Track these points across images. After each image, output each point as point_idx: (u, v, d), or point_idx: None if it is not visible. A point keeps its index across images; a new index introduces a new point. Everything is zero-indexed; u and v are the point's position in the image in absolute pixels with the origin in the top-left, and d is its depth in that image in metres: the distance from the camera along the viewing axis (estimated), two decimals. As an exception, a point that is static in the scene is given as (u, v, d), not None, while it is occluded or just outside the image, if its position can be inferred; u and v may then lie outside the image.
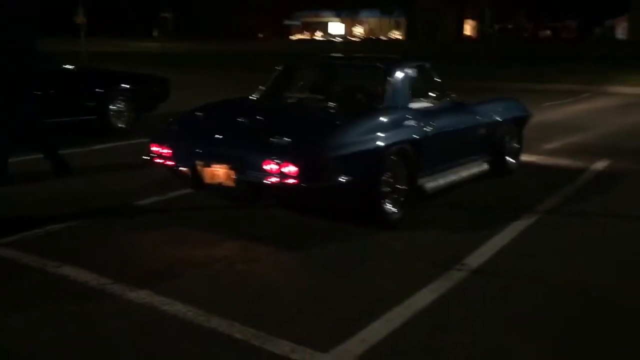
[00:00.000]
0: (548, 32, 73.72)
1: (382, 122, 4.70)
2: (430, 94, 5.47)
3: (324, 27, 73.46)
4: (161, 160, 4.69)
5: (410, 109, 5.04)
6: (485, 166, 6.04)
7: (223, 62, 27.02)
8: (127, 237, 4.49)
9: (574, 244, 4.48)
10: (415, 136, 4.85)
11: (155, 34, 37.47)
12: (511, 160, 6.48)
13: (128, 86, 9.10)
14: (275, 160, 4.08)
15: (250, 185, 4.30)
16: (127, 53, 32.37)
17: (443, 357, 2.94)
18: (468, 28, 73.46)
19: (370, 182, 4.47)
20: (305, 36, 71.35)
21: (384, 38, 66.95)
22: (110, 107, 8.81)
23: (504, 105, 6.41)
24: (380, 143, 4.51)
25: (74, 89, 8.46)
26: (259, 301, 3.47)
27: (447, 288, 3.65)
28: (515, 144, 6.55)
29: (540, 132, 9.11)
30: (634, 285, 3.81)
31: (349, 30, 71.66)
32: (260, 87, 5.63)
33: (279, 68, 5.69)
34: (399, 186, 4.80)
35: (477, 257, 4.13)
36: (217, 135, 4.57)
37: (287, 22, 73.81)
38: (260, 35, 71.47)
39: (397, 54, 6.35)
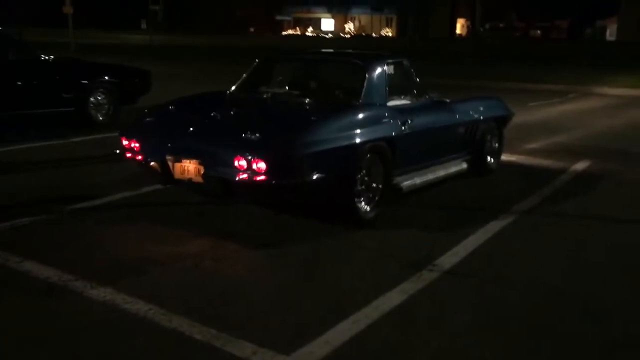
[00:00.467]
0: (538, 31, 73.91)
1: (358, 119, 4.62)
2: (408, 91, 5.40)
3: (315, 23, 73.22)
4: (131, 154, 4.60)
5: (388, 106, 4.97)
6: (464, 165, 5.99)
7: (212, 55, 26.84)
8: (95, 233, 4.40)
9: (549, 246, 4.43)
10: (391, 134, 4.78)
11: (143, 26, 37.13)
12: (491, 159, 6.43)
13: (108, 78, 8.98)
14: (245, 156, 3.99)
15: (219, 182, 4.21)
16: (115, 45, 32.09)
17: (407, 361, 2.88)
18: (459, 26, 73.57)
19: (344, 180, 4.40)
20: (296, 32, 71.09)
21: (375, 35, 66.84)
22: (90, 99, 8.70)
23: (484, 104, 6.34)
24: (354, 140, 4.43)
25: (52, 80, 8.31)
26: (223, 301, 3.39)
27: (417, 289, 3.59)
28: (495, 144, 6.51)
29: (523, 131, 9.09)
30: (606, 287, 3.76)
31: (340, 27, 71.48)
32: (237, 81, 5.54)
33: (256, 62, 5.59)
34: (374, 184, 4.73)
35: (450, 258, 4.07)
36: (187, 130, 4.47)
37: (278, 17, 73.49)
38: (252, 30, 71.17)
39: (385, 51, 6.25)
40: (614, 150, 8.15)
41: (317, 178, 4.19)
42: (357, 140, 4.46)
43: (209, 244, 4.22)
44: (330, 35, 65.74)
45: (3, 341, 2.94)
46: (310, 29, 71.66)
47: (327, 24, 72.99)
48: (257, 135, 4.13)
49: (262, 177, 4.00)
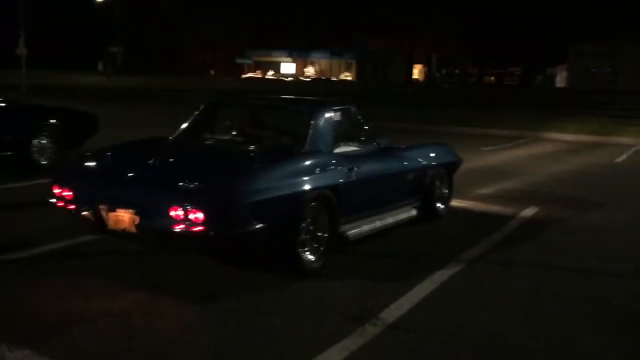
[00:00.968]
0: (492, 78, 76.30)
1: (302, 166, 4.51)
2: (355, 138, 5.34)
3: (275, 67, 73.94)
4: (62, 203, 4.36)
5: (333, 153, 4.89)
6: (413, 212, 5.92)
7: (168, 98, 26.61)
8: (20, 287, 4.12)
9: (495, 296, 4.34)
10: (336, 181, 4.68)
11: (100, 67, 36.84)
12: (441, 206, 6.40)
13: (53, 121, 8.72)
14: (181, 206, 3.81)
15: (154, 233, 4.01)
16: (70, 86, 31.60)
17: None
18: (417, 72, 75.45)
19: (286, 230, 4.25)
20: (256, 75, 71.63)
21: (334, 79, 67.87)
22: (33, 142, 8.40)
23: (433, 151, 6.34)
24: (298, 188, 4.31)
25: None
26: (151, 361, 3.17)
27: (358, 345, 3.44)
28: (444, 190, 6.48)
29: (474, 177, 9.15)
30: (549, 336, 3.67)
31: (300, 71, 72.39)
32: (180, 126, 5.39)
33: (201, 107, 5.46)
34: (319, 233, 4.60)
35: (395, 310, 3.94)
36: (122, 177, 4.28)
37: (239, 60, 74.00)
38: (212, 72, 71.36)
39: (333, 97, 6.20)
40: (562, 196, 8.25)
41: (258, 228, 4.03)
42: (301, 189, 4.34)
43: (142, 298, 3.99)
44: (290, 78, 66.45)
45: None
46: (270, 72, 72.34)
47: (288, 67, 73.82)
48: (195, 183, 3.96)
49: (200, 228, 3.83)
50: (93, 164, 4.63)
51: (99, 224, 4.24)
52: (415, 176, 5.88)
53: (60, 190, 4.35)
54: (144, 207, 4.00)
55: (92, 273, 4.40)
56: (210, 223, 3.81)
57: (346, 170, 4.82)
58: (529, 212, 7.01)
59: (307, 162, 4.59)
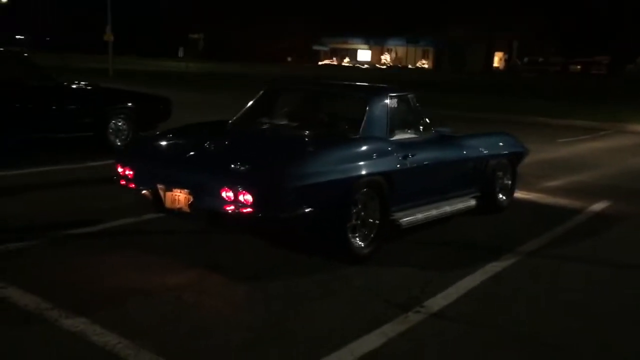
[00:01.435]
0: (578, 67, 72.81)
1: (354, 152, 4.53)
2: (413, 125, 5.29)
3: (352, 54, 73.74)
4: (124, 182, 4.58)
5: (388, 140, 4.86)
6: (472, 202, 5.81)
7: (245, 83, 27.15)
8: (84, 260, 4.37)
9: (547, 291, 4.22)
10: (389, 168, 4.66)
11: (180, 54, 37.92)
12: (502, 197, 6.24)
13: (130, 104, 9.12)
14: (232, 187, 3.92)
15: (206, 213, 4.15)
16: (153, 72, 32.83)
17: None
18: (497, 60, 73.12)
19: (336, 215, 4.28)
20: (332, 62, 71.73)
21: (411, 66, 66.96)
22: (110, 124, 8.83)
23: (495, 140, 6.18)
24: (349, 174, 4.33)
25: (72, 105, 8.48)
26: (196, 336, 3.30)
27: (398, 332, 3.44)
28: (508, 181, 6.31)
29: (545, 169, 8.86)
30: (598, 337, 3.53)
31: (376, 58, 71.85)
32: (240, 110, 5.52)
33: (260, 92, 5.57)
34: (370, 219, 4.61)
35: (441, 300, 3.90)
36: (180, 159, 4.45)
37: (315, 47, 74.31)
38: (289, 59, 72.06)
39: (392, 84, 6.13)
40: (637, 191, 7.84)
41: (307, 212, 4.09)
42: (352, 174, 4.35)
43: (196, 276, 4.15)
44: (366, 66, 66.09)
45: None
46: (346, 59, 72.23)
47: (364, 54, 73.46)
48: (247, 166, 4.06)
49: (249, 210, 3.93)
50: (153, 145, 4.84)
51: (157, 202, 4.42)
52: (474, 166, 5.76)
53: (122, 169, 4.57)
54: (197, 188, 4.15)
55: (151, 250, 4.60)
56: (258, 205, 3.90)
57: (400, 158, 4.79)
58: (598, 206, 6.72)
59: (360, 148, 4.60)
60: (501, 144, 6.23)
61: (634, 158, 10.82)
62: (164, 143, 4.84)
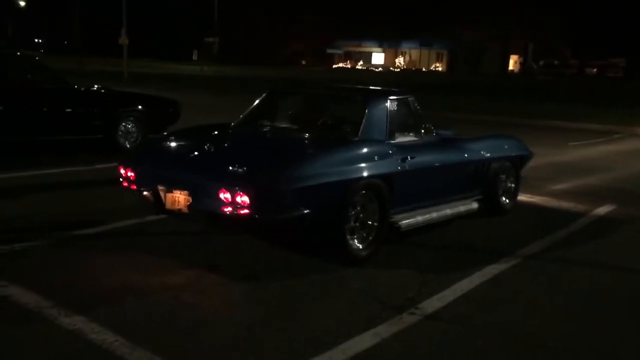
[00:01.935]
0: (594, 69, 72.13)
1: (352, 154, 4.56)
2: (414, 128, 5.31)
3: (366, 57, 73.79)
4: (127, 183, 4.66)
5: (387, 142, 4.89)
6: (474, 205, 5.81)
7: (258, 87, 27.27)
8: (86, 260, 4.44)
9: (545, 295, 4.21)
10: (388, 171, 4.69)
11: (194, 57, 38.28)
12: (505, 200, 6.23)
13: (139, 107, 9.24)
14: (229, 189, 3.97)
15: (205, 214, 4.20)
16: (166, 75, 33.10)
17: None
18: (512, 62, 72.71)
19: (334, 217, 4.32)
20: (347, 65, 71.81)
21: (424, 69, 66.81)
22: (120, 126, 8.95)
23: (498, 143, 6.18)
24: (347, 176, 4.36)
25: (82, 108, 8.61)
26: (191, 335, 3.35)
27: (391, 333, 3.46)
28: (510, 184, 6.31)
29: (552, 172, 8.82)
30: (597, 341, 3.53)
31: (390, 61, 71.79)
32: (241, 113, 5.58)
33: (262, 95, 5.62)
34: (369, 222, 4.64)
35: (436, 302, 3.92)
36: (180, 160, 4.51)
37: (329, 50, 74.45)
38: (303, 63, 72.28)
39: (393, 87, 6.14)
40: (645, 194, 7.79)
41: (305, 213, 4.13)
42: (350, 177, 4.39)
43: (194, 276, 4.20)
44: (380, 69, 66.07)
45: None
46: (360, 62, 72.27)
47: (378, 57, 73.47)
48: (245, 168, 4.11)
49: (246, 211, 3.97)
50: (154, 147, 4.91)
51: (158, 203, 4.49)
52: (476, 169, 5.76)
53: (125, 171, 4.65)
54: (196, 189, 4.21)
55: (151, 250, 4.67)
56: (256, 207, 3.95)
57: (399, 160, 4.82)
58: (603, 210, 6.68)
59: (358, 151, 4.63)
60: (505, 146, 6.23)
61: (645, 161, 10.74)
62: (165, 145, 4.91)
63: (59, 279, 4.06)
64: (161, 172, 4.48)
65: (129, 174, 4.61)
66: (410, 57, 72.02)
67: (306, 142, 4.77)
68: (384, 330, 3.48)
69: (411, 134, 5.27)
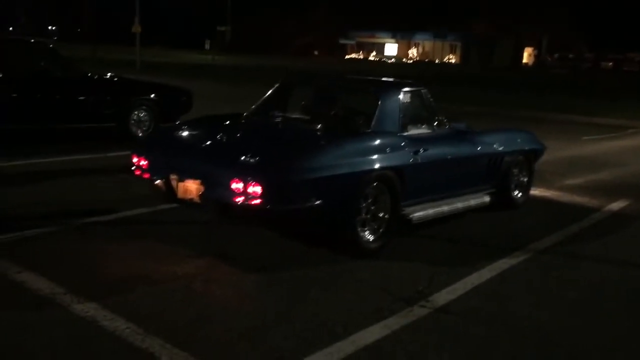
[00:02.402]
0: (610, 63, 71.40)
1: (364, 146, 4.55)
2: (427, 121, 5.29)
3: (379, 48, 73.43)
4: (139, 172, 4.68)
5: (399, 135, 4.87)
6: (486, 199, 5.79)
7: (270, 77, 27.25)
8: (98, 247, 4.48)
9: (554, 288, 4.20)
10: (400, 163, 4.67)
11: (207, 46, 38.29)
12: (518, 194, 6.20)
13: (152, 96, 9.26)
14: (241, 179, 3.98)
15: (216, 204, 4.22)
16: (179, 63, 33.14)
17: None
18: (526, 55, 72.10)
19: (345, 208, 4.32)
20: (359, 55, 71.52)
21: (438, 61, 66.42)
22: (132, 115, 8.98)
23: (511, 137, 6.14)
24: (358, 168, 4.36)
25: (95, 96, 8.64)
26: (202, 324, 3.37)
27: (401, 325, 3.47)
28: (524, 178, 6.27)
29: (565, 166, 8.77)
30: (606, 336, 3.51)
31: (403, 52, 71.41)
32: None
33: (275, 86, 5.61)
34: (380, 214, 4.63)
35: (446, 295, 3.92)
36: (193, 150, 4.52)
37: (342, 41, 74.13)
38: (316, 53, 72.04)
39: (406, 79, 6.10)
40: (659, 190, 7.71)
41: (316, 204, 4.13)
42: (361, 168, 4.38)
43: (206, 265, 4.22)
44: (392, 60, 65.75)
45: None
46: (373, 53, 71.94)
47: (391, 49, 73.08)
48: (257, 158, 4.12)
49: (257, 201, 3.98)
50: (167, 136, 4.93)
51: (170, 192, 4.51)
52: (489, 162, 5.73)
53: (137, 159, 4.67)
54: (208, 179, 4.22)
55: (163, 239, 4.69)
56: (267, 197, 3.95)
57: (412, 153, 4.80)
58: (616, 205, 6.64)
59: (370, 142, 4.62)
60: (517, 140, 6.19)
61: (659, 157, 10.63)
62: (178, 134, 4.92)
63: (71, 266, 4.10)
64: (173, 161, 4.49)
65: (142, 162, 4.63)
66: (423, 48, 71.58)
67: (318, 133, 4.76)
68: (393, 322, 3.48)
69: (424, 127, 5.25)
